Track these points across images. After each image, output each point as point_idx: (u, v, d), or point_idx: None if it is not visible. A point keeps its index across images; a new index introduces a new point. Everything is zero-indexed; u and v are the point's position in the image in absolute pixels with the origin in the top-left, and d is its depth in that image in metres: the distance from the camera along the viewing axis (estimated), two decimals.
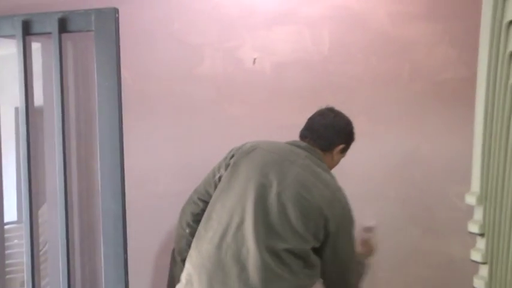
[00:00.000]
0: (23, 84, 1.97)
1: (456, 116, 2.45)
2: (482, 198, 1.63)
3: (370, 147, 2.43)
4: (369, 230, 2.18)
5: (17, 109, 2.19)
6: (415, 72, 2.46)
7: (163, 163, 2.38)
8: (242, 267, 1.61)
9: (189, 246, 1.77)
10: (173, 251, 1.96)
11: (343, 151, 1.94)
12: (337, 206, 1.71)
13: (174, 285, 1.75)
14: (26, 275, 1.95)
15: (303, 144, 1.86)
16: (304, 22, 2.42)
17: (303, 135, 1.91)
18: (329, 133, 1.88)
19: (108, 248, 1.90)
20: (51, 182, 2.17)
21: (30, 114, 1.98)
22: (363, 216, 2.38)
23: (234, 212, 1.69)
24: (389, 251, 2.45)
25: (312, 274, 1.72)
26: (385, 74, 2.46)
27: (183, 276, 1.71)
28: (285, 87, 2.43)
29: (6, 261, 2.10)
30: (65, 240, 1.95)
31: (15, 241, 2.23)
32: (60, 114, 1.95)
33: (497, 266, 1.62)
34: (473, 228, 1.67)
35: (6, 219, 2.09)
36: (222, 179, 1.82)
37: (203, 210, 1.82)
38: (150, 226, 2.30)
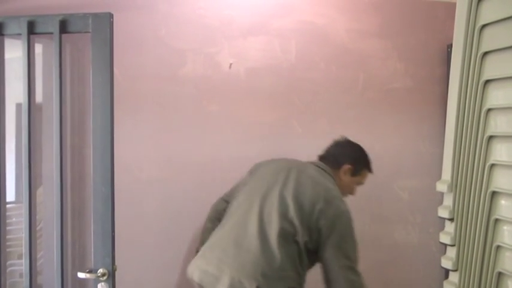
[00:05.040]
0: (27, 78, 1.97)
1: (402, 120, 2.66)
2: (453, 186, 1.65)
3: None
4: None
5: (18, 105, 2.25)
6: (368, 81, 2.63)
7: (147, 152, 2.43)
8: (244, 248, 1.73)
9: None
10: (199, 244, 2.06)
11: (353, 174, 2.05)
12: (333, 207, 1.79)
13: None
14: (24, 249, 1.96)
15: (317, 162, 2.03)
16: (274, 34, 2.55)
17: (320, 156, 2.09)
18: (336, 152, 2.06)
19: (98, 225, 1.94)
20: (47, 167, 2.23)
21: (32, 106, 2.00)
22: None
23: (247, 203, 1.86)
24: None
25: (299, 271, 1.77)
26: (343, 81, 2.61)
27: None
28: (256, 89, 2.54)
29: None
30: (59, 219, 1.96)
31: (13, 219, 2.29)
32: (59, 105, 1.96)
33: (464, 248, 1.63)
34: (443, 213, 1.69)
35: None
36: (247, 183, 2.03)
37: (225, 209, 2.01)
38: (135, 207, 2.35)
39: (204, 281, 1.75)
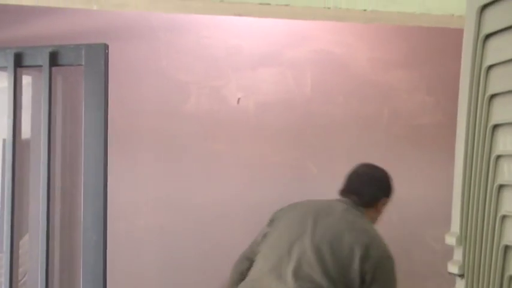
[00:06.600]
0: (12, 114, 1.92)
1: (432, 160, 2.52)
2: (462, 239, 1.55)
3: None
4: None
5: (4, 140, 2.18)
6: (393, 116, 2.53)
7: (145, 197, 2.39)
8: None
9: None
10: None
11: (386, 202, 1.99)
12: (375, 252, 1.73)
13: None
14: None
15: (344, 199, 1.91)
16: (287, 64, 2.49)
17: (344, 194, 1.95)
18: (370, 190, 1.93)
19: (87, 277, 1.83)
20: (34, 213, 2.17)
21: (17, 144, 1.93)
22: None
23: (275, 260, 1.76)
24: None
25: None
26: (365, 116, 2.52)
27: None
28: (268, 126, 2.47)
29: None
30: (45, 271, 1.87)
31: None
32: (47, 145, 1.91)
33: None
34: (453, 269, 1.58)
35: None
36: (268, 234, 1.91)
37: (248, 269, 1.90)
38: (131, 257, 2.30)
39: None
